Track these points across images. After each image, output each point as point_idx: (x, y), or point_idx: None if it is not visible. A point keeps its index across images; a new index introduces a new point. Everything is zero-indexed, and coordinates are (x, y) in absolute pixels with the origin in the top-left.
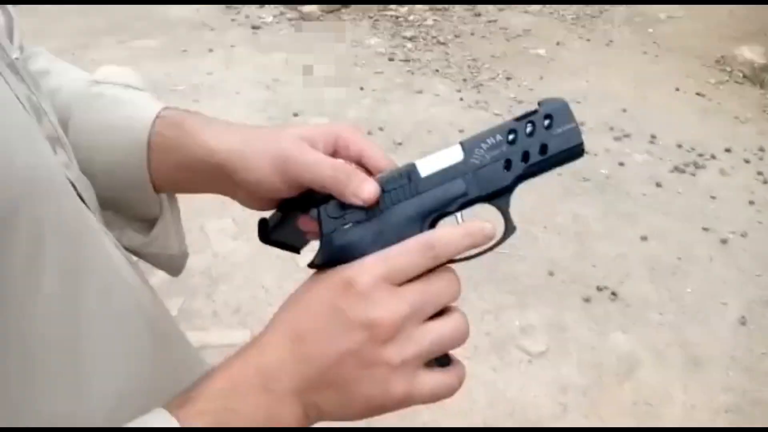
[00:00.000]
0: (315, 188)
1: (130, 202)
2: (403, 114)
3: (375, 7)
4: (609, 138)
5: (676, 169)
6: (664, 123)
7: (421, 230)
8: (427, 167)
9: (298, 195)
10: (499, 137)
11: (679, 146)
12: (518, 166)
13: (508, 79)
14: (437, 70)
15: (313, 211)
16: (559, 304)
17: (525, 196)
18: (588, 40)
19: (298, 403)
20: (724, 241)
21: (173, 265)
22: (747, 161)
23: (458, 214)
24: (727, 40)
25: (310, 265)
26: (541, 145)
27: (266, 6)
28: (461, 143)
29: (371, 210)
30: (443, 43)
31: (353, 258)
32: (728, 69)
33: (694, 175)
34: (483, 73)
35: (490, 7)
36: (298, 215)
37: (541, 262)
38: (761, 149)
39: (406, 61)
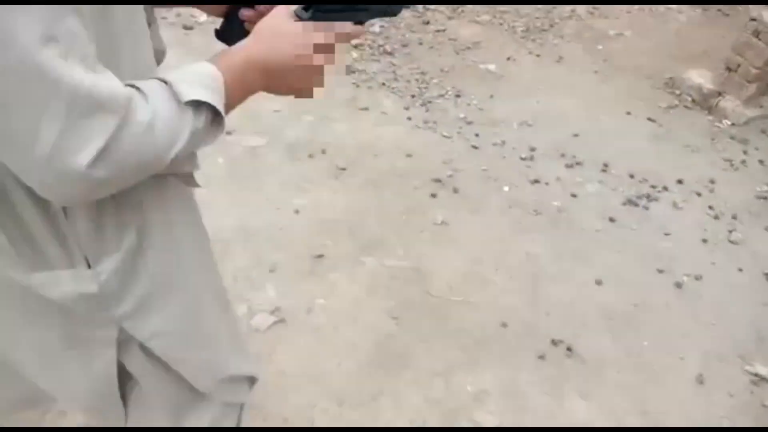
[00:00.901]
0: None
1: None
2: (347, 134)
3: None
4: (561, 165)
5: (629, 201)
6: (617, 150)
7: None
8: None
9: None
10: None
11: (632, 176)
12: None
13: (458, 96)
14: (384, 84)
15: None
16: (513, 362)
17: (476, 233)
18: (538, 55)
19: (263, 77)
20: (678, 285)
21: (158, 58)
22: (699, 194)
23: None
24: (674, 60)
25: (298, 15)
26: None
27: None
28: None
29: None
30: (390, 53)
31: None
32: (677, 92)
33: (647, 208)
34: (432, 88)
35: (438, 15)
36: (239, 9)
37: (493, 310)
38: (711, 181)
39: (351, 72)
